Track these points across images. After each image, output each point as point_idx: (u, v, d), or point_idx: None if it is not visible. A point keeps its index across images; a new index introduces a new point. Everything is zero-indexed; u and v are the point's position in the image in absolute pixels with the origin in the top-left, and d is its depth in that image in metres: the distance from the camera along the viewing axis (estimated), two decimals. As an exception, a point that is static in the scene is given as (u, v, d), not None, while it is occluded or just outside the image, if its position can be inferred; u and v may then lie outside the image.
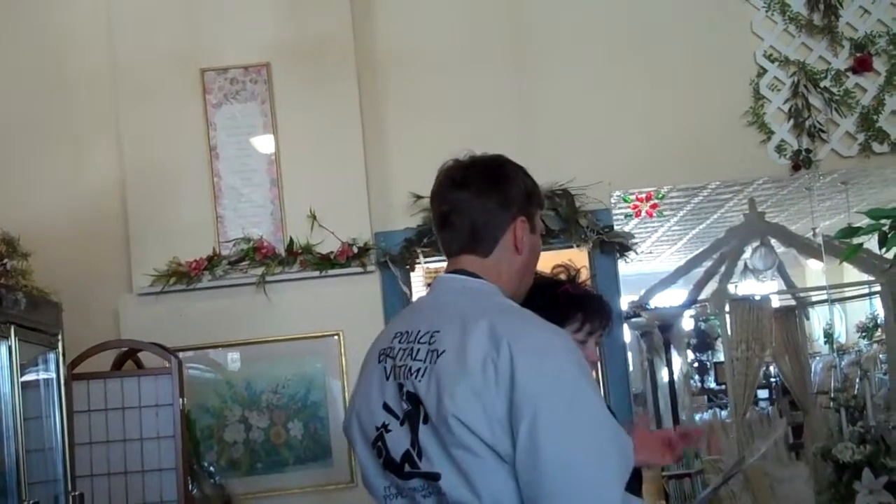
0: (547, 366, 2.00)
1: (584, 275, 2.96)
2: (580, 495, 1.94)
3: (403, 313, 2.40)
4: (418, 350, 2.13)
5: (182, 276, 5.11)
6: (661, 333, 8.02)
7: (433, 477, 2.06)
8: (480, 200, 2.25)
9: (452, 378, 2.02)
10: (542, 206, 2.39)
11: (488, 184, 2.27)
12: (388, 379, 2.19)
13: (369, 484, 2.25)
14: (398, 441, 2.13)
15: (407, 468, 2.11)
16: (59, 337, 4.05)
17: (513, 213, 2.26)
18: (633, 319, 7.92)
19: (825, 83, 5.54)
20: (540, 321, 2.14)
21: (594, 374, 4.03)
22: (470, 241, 2.25)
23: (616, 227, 5.56)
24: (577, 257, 5.27)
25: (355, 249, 5.15)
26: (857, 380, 7.49)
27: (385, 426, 2.16)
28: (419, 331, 2.16)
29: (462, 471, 2.01)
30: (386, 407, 2.17)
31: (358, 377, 2.34)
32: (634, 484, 2.39)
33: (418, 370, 2.10)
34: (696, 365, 11.43)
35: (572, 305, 2.70)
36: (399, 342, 2.20)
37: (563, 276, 2.83)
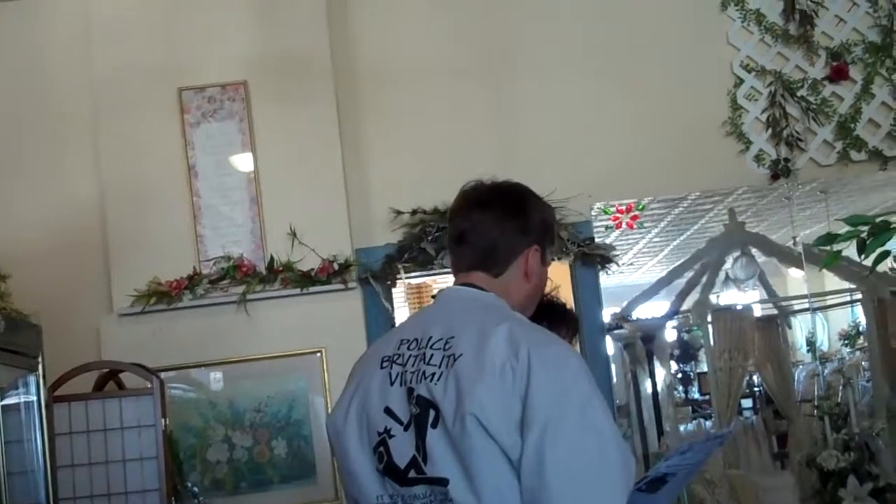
0: (563, 377, 2.03)
1: None
2: None
3: (408, 322, 2.39)
4: (432, 355, 2.13)
5: (163, 296, 5.08)
6: (643, 345, 8.02)
7: (440, 482, 2.05)
8: (501, 223, 2.29)
9: (472, 380, 2.03)
10: (553, 243, 2.44)
11: (511, 208, 2.31)
12: (392, 384, 2.18)
13: (358, 491, 2.21)
14: (403, 446, 2.11)
15: (412, 474, 2.10)
16: (40, 359, 4.02)
17: (529, 240, 2.31)
18: (616, 331, 7.92)
19: (802, 92, 5.57)
20: (554, 335, 2.20)
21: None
22: (483, 259, 2.29)
23: (597, 240, 5.57)
24: (558, 270, 5.28)
25: (336, 266, 5.13)
26: (841, 387, 7.49)
27: (388, 431, 2.14)
28: (431, 337, 2.17)
29: (470, 475, 2.01)
30: (388, 411, 2.15)
31: (347, 385, 2.31)
32: None
33: (433, 374, 2.10)
34: (679, 376, 11.45)
35: (536, 315, 2.69)
36: (408, 349, 2.19)
37: None
